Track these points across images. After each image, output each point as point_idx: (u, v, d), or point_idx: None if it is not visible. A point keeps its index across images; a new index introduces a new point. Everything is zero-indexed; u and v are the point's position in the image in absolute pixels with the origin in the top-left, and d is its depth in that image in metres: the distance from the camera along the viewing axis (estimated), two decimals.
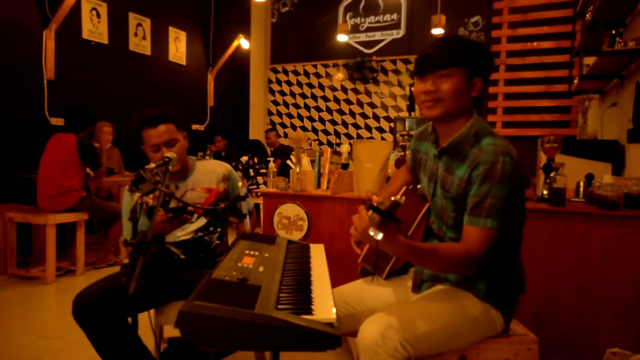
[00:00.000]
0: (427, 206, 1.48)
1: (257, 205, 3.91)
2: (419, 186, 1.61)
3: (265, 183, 5.26)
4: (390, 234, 1.04)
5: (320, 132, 7.33)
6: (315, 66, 7.32)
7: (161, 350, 1.87)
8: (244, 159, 5.44)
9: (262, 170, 5.42)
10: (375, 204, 1.01)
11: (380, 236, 1.01)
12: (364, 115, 7.03)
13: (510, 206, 1.23)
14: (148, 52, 5.82)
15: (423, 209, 1.48)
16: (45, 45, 4.45)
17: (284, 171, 5.51)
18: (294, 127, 7.50)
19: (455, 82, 1.28)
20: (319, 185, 2.60)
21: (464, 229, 1.26)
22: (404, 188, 1.58)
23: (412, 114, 5.71)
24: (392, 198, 1.02)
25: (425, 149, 1.48)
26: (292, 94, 7.51)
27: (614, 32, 2.89)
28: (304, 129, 7.39)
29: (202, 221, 1.91)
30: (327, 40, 7.12)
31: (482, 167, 1.23)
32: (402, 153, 2.83)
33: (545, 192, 2.14)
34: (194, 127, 6.73)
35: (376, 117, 6.95)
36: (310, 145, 7.20)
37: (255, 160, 5.47)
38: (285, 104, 7.56)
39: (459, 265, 1.21)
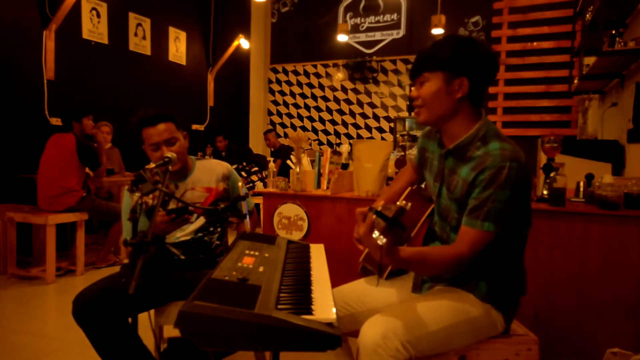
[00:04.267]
0: (431, 208, 1.48)
1: (257, 205, 3.92)
2: (422, 185, 1.60)
3: (260, 180, 5.29)
4: (391, 243, 1.06)
5: (320, 132, 7.33)
6: (315, 66, 7.32)
7: (161, 350, 1.87)
8: (233, 166, 5.49)
9: (254, 169, 5.45)
10: (380, 209, 1.01)
11: (383, 241, 1.02)
12: (364, 115, 7.03)
13: (510, 210, 1.23)
14: (148, 52, 5.82)
15: (427, 211, 1.48)
16: (45, 45, 4.45)
17: (284, 171, 5.52)
18: (294, 127, 7.51)
19: (432, 86, 1.29)
20: (319, 185, 2.60)
21: (461, 229, 1.27)
22: (408, 189, 1.57)
23: (412, 114, 5.72)
24: (398, 203, 1.02)
25: (432, 148, 1.47)
26: (292, 94, 7.51)
27: (614, 32, 2.89)
28: (304, 129, 7.39)
29: (202, 220, 1.91)
30: (327, 40, 7.12)
31: (487, 172, 1.22)
32: (402, 153, 2.82)
33: (545, 192, 2.14)
34: (194, 127, 6.73)
35: (376, 117, 6.95)
36: (310, 145, 7.20)
37: (244, 164, 5.51)
38: (285, 104, 7.57)
39: (449, 268, 1.24)
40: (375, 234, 1.02)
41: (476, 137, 1.30)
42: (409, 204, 1.02)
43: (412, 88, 1.37)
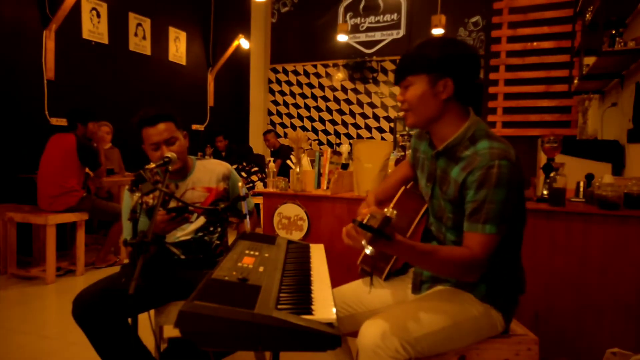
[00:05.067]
0: (426, 206, 1.48)
1: (257, 205, 3.92)
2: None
3: (260, 180, 5.29)
4: (382, 246, 1.06)
5: (320, 132, 7.33)
6: (315, 66, 7.32)
7: (161, 350, 1.87)
8: (233, 166, 5.51)
9: (254, 169, 5.46)
10: (365, 222, 1.02)
11: (370, 250, 1.04)
12: (364, 115, 7.03)
13: (509, 209, 1.22)
14: (148, 52, 5.82)
15: (422, 209, 1.48)
16: (45, 45, 4.45)
17: (284, 171, 5.52)
18: (294, 127, 7.51)
19: (416, 90, 1.29)
20: (319, 185, 2.60)
21: (465, 235, 1.25)
22: (402, 189, 1.57)
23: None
24: (385, 210, 1.02)
25: (423, 149, 1.47)
26: (292, 94, 7.51)
27: (614, 32, 2.88)
28: (304, 129, 7.39)
29: (202, 220, 1.91)
30: (327, 40, 7.12)
31: (477, 173, 1.21)
32: (402, 153, 2.83)
33: (545, 192, 2.14)
34: (194, 127, 6.73)
35: (376, 117, 6.95)
36: (310, 145, 7.20)
37: (244, 164, 5.52)
38: (285, 104, 7.56)
39: (461, 269, 1.21)
40: (363, 243, 1.03)
41: (465, 137, 1.29)
42: (395, 212, 1.03)
43: (398, 93, 1.37)
